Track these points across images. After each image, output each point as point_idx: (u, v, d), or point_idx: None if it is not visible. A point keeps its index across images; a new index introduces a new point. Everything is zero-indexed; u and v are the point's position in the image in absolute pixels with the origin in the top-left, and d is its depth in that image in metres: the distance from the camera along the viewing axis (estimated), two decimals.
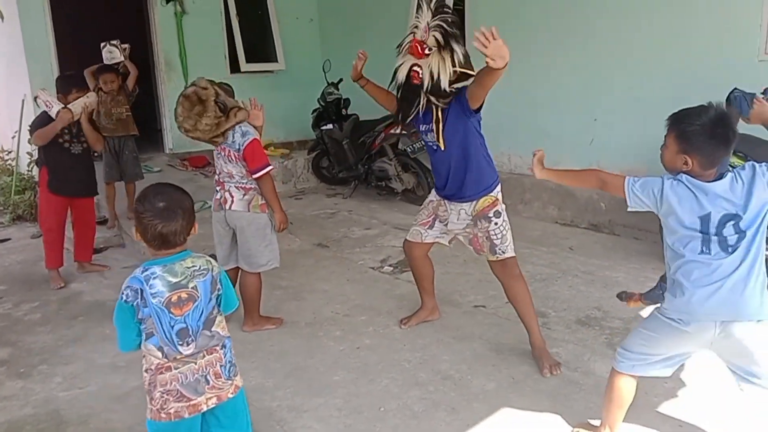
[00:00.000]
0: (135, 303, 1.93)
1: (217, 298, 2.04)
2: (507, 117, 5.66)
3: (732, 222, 1.98)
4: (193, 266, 1.99)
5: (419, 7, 2.89)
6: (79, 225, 4.71)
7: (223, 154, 3.55)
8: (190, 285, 1.96)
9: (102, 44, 5.74)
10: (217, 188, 3.62)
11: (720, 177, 2.03)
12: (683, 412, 2.60)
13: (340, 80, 7.15)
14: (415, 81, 2.88)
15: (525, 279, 3.17)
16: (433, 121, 2.98)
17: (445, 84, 2.83)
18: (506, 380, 2.94)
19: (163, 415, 1.99)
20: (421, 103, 2.94)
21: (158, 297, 1.92)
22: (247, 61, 7.79)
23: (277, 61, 8.07)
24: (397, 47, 3.02)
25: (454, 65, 2.81)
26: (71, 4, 7.91)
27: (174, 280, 1.95)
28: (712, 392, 2.73)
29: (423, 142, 6.14)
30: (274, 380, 3.02)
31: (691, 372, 2.83)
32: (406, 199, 6.64)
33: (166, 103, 7.38)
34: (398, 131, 6.35)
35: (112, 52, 5.69)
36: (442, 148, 3.03)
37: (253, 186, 3.52)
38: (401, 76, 2.94)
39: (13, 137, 6.85)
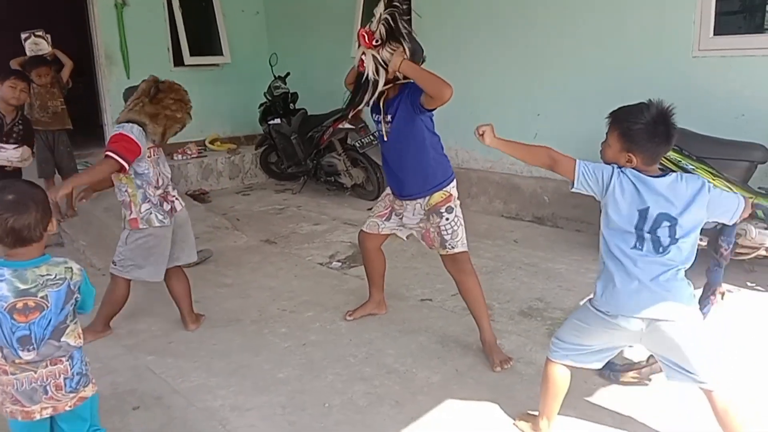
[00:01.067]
0: None
1: (74, 306, 1.98)
2: (453, 112, 5.66)
3: (668, 224, 2.02)
4: (48, 275, 1.90)
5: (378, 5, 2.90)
6: None
7: (162, 155, 3.43)
8: (39, 294, 1.88)
9: (24, 36, 5.53)
10: (161, 202, 3.36)
11: (663, 174, 2.08)
12: (618, 402, 2.68)
13: (288, 74, 7.08)
14: (360, 68, 2.91)
15: (476, 275, 3.18)
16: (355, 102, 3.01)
17: (374, 77, 2.85)
18: (450, 372, 2.97)
19: (3, 410, 1.97)
20: (367, 92, 2.92)
21: (1, 301, 1.85)
22: (191, 54, 7.60)
23: (222, 54, 7.91)
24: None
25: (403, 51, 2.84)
26: None
27: (22, 286, 1.87)
28: (650, 381, 2.81)
29: (371, 137, 6.18)
30: (217, 379, 2.97)
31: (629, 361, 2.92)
32: (355, 194, 6.63)
33: (107, 97, 7.13)
34: (346, 126, 6.33)
35: (38, 44, 5.51)
36: (385, 139, 3.05)
37: None
38: (356, 63, 2.95)
39: None
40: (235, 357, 3.20)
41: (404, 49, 2.85)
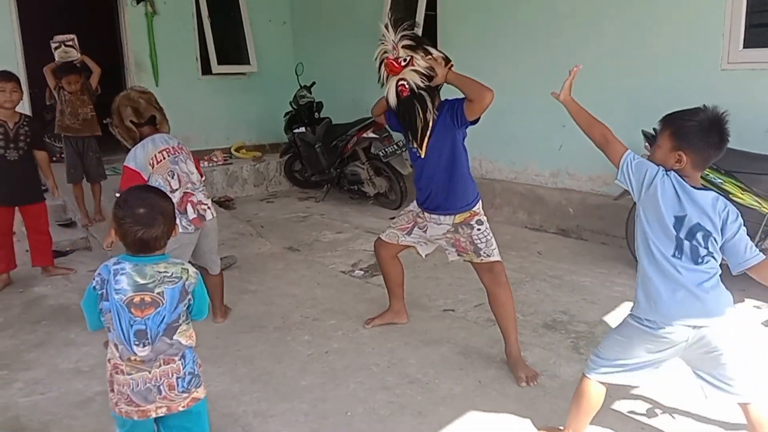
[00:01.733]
0: (101, 292, 1.94)
1: (187, 307, 2.00)
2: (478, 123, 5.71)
3: (702, 234, 2.00)
4: (165, 272, 1.96)
5: (384, 34, 2.93)
6: (29, 232, 4.59)
7: (182, 154, 3.54)
8: (156, 290, 1.93)
9: (54, 45, 5.64)
10: (185, 208, 3.43)
11: (705, 188, 2.06)
12: (646, 415, 2.65)
13: (313, 83, 7.15)
14: (405, 94, 2.89)
15: (510, 288, 3.14)
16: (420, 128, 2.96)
17: (423, 87, 2.87)
18: (473, 384, 2.96)
19: (116, 411, 2.01)
20: (423, 108, 2.91)
21: (120, 294, 1.91)
22: (219, 63, 7.73)
23: (249, 63, 8.02)
24: (378, 81, 3.03)
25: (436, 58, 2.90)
26: (39, 3, 7.77)
27: (141, 281, 1.93)
28: (675, 395, 2.78)
29: (395, 146, 6.20)
30: (241, 385, 3.00)
31: (655, 376, 2.88)
32: (378, 203, 6.65)
33: None
34: (371, 135, 6.36)
35: (68, 52, 5.62)
36: (422, 155, 3.02)
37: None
38: (392, 98, 2.93)
39: None
40: (259, 363, 3.23)
41: (435, 56, 2.89)
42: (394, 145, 6.19)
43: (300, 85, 7.13)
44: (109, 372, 2.00)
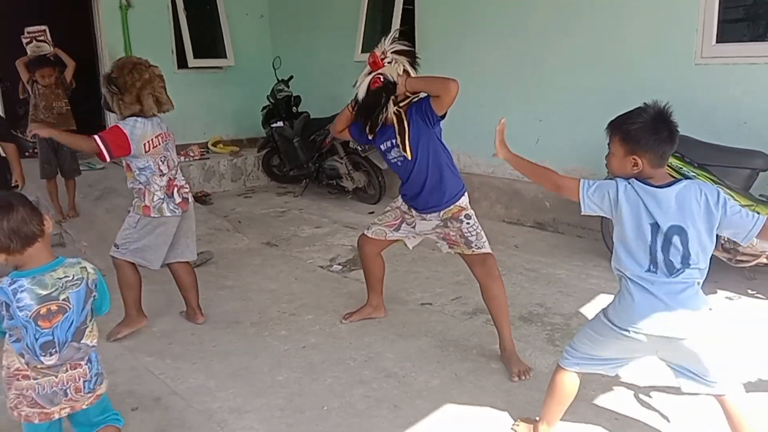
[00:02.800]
0: (3, 314, 1.88)
1: (91, 306, 2.02)
2: (455, 117, 5.66)
3: (680, 238, 1.97)
4: (66, 276, 1.94)
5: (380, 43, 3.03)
6: None
7: (170, 140, 3.47)
8: (61, 297, 1.92)
9: (25, 39, 5.55)
10: (172, 192, 3.41)
11: (672, 183, 2.03)
12: (619, 405, 2.68)
13: (291, 77, 7.10)
14: (375, 85, 2.96)
15: (503, 281, 3.14)
16: (396, 130, 2.98)
17: (396, 80, 2.94)
18: (449, 377, 2.96)
19: (15, 414, 1.99)
20: (388, 96, 2.96)
21: (25, 310, 1.88)
22: (195, 57, 7.63)
23: (226, 57, 7.93)
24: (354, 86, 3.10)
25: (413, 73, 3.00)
26: None
27: (44, 292, 1.90)
28: (650, 386, 2.81)
29: None
30: (216, 381, 2.97)
31: (629, 366, 2.91)
32: (357, 198, 6.63)
33: None
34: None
35: (40, 47, 5.54)
36: (409, 157, 3.00)
37: None
38: (362, 90, 3.00)
39: None
40: (235, 359, 3.20)
41: (413, 71, 2.99)
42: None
43: (277, 79, 7.07)
44: (5, 377, 1.98)
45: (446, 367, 3.05)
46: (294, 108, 7.08)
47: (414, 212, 3.19)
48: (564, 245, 4.98)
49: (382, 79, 2.94)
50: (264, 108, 7.23)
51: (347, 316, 3.61)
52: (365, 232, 3.44)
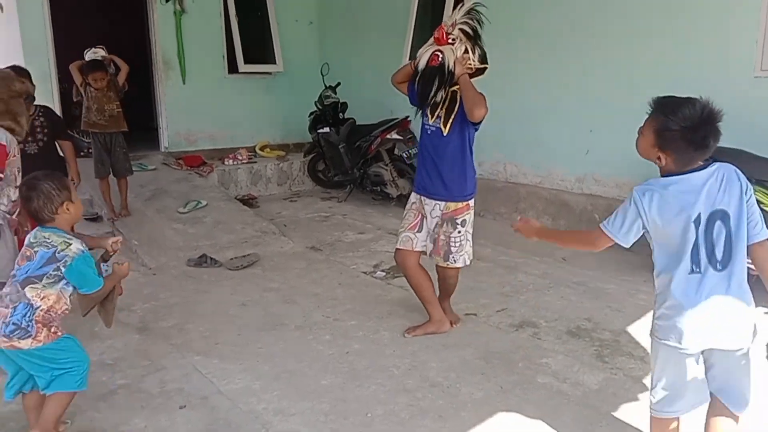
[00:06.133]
0: None
1: (57, 272, 2.35)
2: (504, 126, 5.67)
3: (721, 224, 1.87)
4: (47, 239, 2.38)
5: (451, 14, 3.19)
6: None
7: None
8: (35, 249, 2.38)
9: (86, 50, 5.76)
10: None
11: (703, 167, 1.91)
12: None
13: (338, 84, 7.16)
14: (434, 63, 3.11)
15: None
16: (445, 106, 3.17)
17: (452, 68, 3.09)
18: (494, 389, 2.93)
19: None
20: (441, 83, 3.11)
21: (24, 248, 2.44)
22: (246, 62, 7.77)
23: (275, 62, 8.06)
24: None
25: (471, 58, 3.13)
26: (71, 0, 7.88)
27: (32, 240, 2.42)
28: None
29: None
30: (262, 383, 3.00)
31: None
32: (401, 205, 6.59)
33: (163, 101, 7.36)
34: (395, 136, 6.35)
35: (96, 52, 5.70)
36: (444, 132, 3.15)
37: None
38: (422, 61, 3.14)
39: None
40: (280, 361, 3.23)
41: (472, 55, 3.11)
42: (418, 147, 6.16)
43: (325, 86, 7.14)
44: None
45: (491, 379, 3.01)
46: (340, 114, 7.14)
47: (425, 201, 3.29)
48: (613, 259, 4.86)
49: (439, 59, 3.07)
50: (311, 114, 7.31)
51: (410, 331, 3.49)
52: (397, 246, 3.47)
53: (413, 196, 3.41)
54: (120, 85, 5.71)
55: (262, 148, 7.99)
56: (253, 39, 7.91)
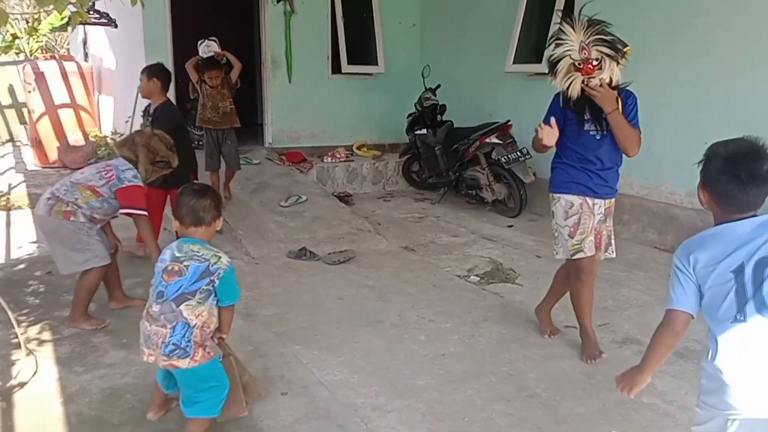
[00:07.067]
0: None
1: (209, 286, 2.35)
2: None
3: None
4: (197, 252, 2.38)
5: (562, 30, 3.06)
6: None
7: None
8: (185, 263, 2.35)
9: (199, 42, 6.01)
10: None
11: (752, 216, 1.74)
12: None
13: (438, 86, 7.16)
14: (586, 91, 3.08)
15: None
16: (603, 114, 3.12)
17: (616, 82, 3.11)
18: (597, 406, 2.83)
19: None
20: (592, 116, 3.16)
21: (162, 263, 2.40)
22: (349, 63, 7.92)
23: (377, 64, 8.17)
24: (549, 74, 3.20)
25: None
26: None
27: (177, 254, 2.38)
28: None
29: (519, 153, 6.07)
30: (359, 377, 3.05)
31: None
32: (495, 210, 6.55)
33: (270, 99, 7.63)
34: (494, 140, 6.28)
35: (210, 46, 5.94)
36: (604, 134, 3.14)
37: None
38: (575, 93, 3.09)
39: (126, 122, 7.32)
40: (376, 357, 3.27)
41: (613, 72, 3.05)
42: (518, 152, 6.06)
43: (425, 87, 7.16)
44: None
45: (593, 396, 2.91)
46: (439, 116, 7.13)
47: (588, 202, 3.22)
48: None
49: (587, 85, 3.03)
50: (410, 115, 7.35)
51: (585, 357, 3.30)
52: (581, 255, 3.22)
53: (573, 198, 3.21)
54: (233, 82, 5.95)
55: (359, 148, 8.13)
56: (356, 40, 8.06)
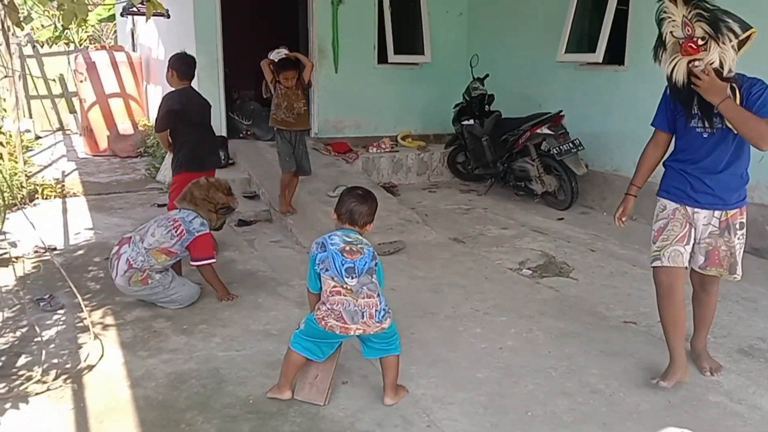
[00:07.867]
0: (316, 253, 2.64)
1: (376, 268, 2.66)
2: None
3: None
4: (361, 239, 2.68)
5: (667, 7, 2.63)
6: None
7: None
8: (359, 246, 2.65)
9: (270, 53, 5.89)
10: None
11: None
12: None
13: (486, 75, 7.07)
14: (695, 73, 2.62)
15: None
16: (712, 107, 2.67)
17: (728, 69, 2.58)
18: (662, 403, 2.77)
19: (322, 324, 2.62)
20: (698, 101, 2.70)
21: (335, 246, 2.62)
22: (395, 53, 7.88)
23: (423, 53, 8.10)
24: (654, 57, 2.78)
25: (735, 46, 2.56)
26: None
27: (348, 239, 2.65)
28: None
29: (571, 144, 5.96)
30: (417, 368, 3.05)
31: None
32: (544, 202, 6.46)
33: (317, 89, 7.62)
34: (545, 131, 6.17)
35: (280, 52, 5.83)
36: (713, 132, 2.71)
37: None
38: (680, 77, 2.66)
39: None
40: (433, 349, 3.27)
41: (736, 33, 2.53)
42: (570, 143, 5.96)
43: (473, 77, 7.08)
44: (326, 295, 2.62)
45: (657, 392, 2.85)
46: (486, 106, 7.05)
47: (689, 211, 2.84)
48: None
49: (697, 66, 2.59)
50: (456, 105, 7.28)
51: (660, 380, 2.86)
52: (660, 262, 2.88)
53: (669, 202, 2.91)
54: (306, 81, 5.67)
55: (403, 138, 8.10)
56: (403, 29, 8.00)
